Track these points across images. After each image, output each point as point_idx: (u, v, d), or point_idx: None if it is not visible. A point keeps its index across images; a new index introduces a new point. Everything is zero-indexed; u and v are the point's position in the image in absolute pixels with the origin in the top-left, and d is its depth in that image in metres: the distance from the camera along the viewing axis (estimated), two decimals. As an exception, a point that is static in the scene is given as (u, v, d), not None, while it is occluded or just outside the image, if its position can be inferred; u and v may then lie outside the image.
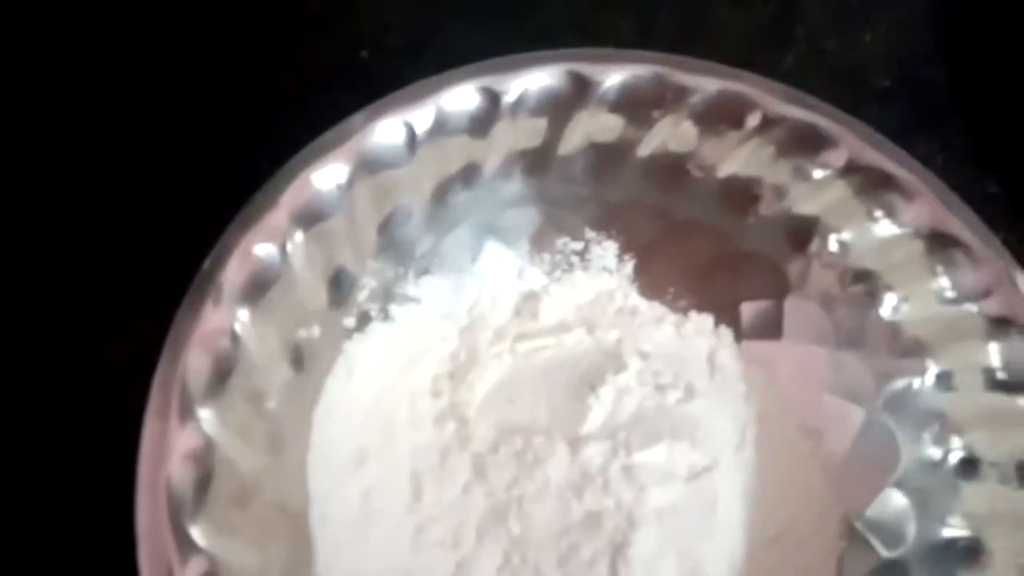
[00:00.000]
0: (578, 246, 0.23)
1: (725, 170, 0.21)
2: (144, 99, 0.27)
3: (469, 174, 0.21)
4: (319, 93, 0.27)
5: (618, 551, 0.19)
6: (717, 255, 0.22)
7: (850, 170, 0.20)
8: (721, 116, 0.20)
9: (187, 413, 0.16)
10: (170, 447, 0.16)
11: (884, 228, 0.20)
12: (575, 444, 0.20)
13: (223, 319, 0.17)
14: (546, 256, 0.23)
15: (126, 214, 0.25)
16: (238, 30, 0.29)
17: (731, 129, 0.20)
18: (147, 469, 0.15)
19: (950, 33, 0.30)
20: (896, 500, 0.19)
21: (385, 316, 0.21)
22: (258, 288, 0.18)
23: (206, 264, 0.17)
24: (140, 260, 0.24)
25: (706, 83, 0.20)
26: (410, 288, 0.22)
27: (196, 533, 0.15)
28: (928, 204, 0.19)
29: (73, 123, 0.26)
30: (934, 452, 0.19)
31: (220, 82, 0.27)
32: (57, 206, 0.25)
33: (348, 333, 0.21)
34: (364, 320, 0.21)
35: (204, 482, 0.16)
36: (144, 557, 0.15)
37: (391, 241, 0.21)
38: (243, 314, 0.18)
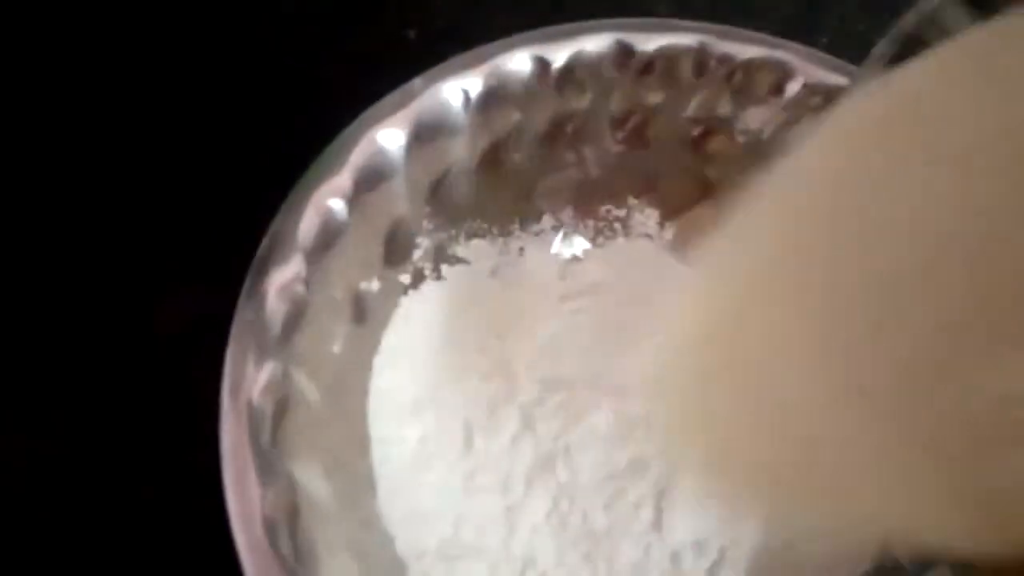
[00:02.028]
0: (621, 212, 0.24)
1: (766, 136, 0.22)
2: (204, 78, 0.28)
3: (518, 139, 0.22)
4: (367, 72, 0.28)
5: (662, 495, 0.20)
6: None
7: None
8: (763, 83, 0.21)
9: (264, 351, 0.17)
10: (249, 380, 0.17)
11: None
12: (619, 394, 0.21)
13: (296, 267, 0.18)
14: (590, 222, 0.24)
15: (190, 187, 0.26)
16: (286, 13, 0.30)
17: (772, 96, 0.21)
18: (230, 398, 0.16)
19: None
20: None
21: (438, 275, 0.23)
22: (326, 241, 0.19)
23: (278, 216, 0.19)
24: (201, 229, 0.25)
25: (748, 51, 0.21)
26: (460, 249, 0.23)
27: (275, 456, 0.16)
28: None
29: (135, 98, 0.27)
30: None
31: (271, 63, 0.28)
32: (116, 176, 0.26)
33: (404, 289, 0.22)
34: (419, 278, 0.22)
35: (281, 411, 0.17)
36: (229, 477, 0.16)
37: (444, 203, 0.22)
38: (312, 264, 0.19)
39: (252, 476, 0.16)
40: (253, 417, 0.16)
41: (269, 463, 0.16)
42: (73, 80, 0.27)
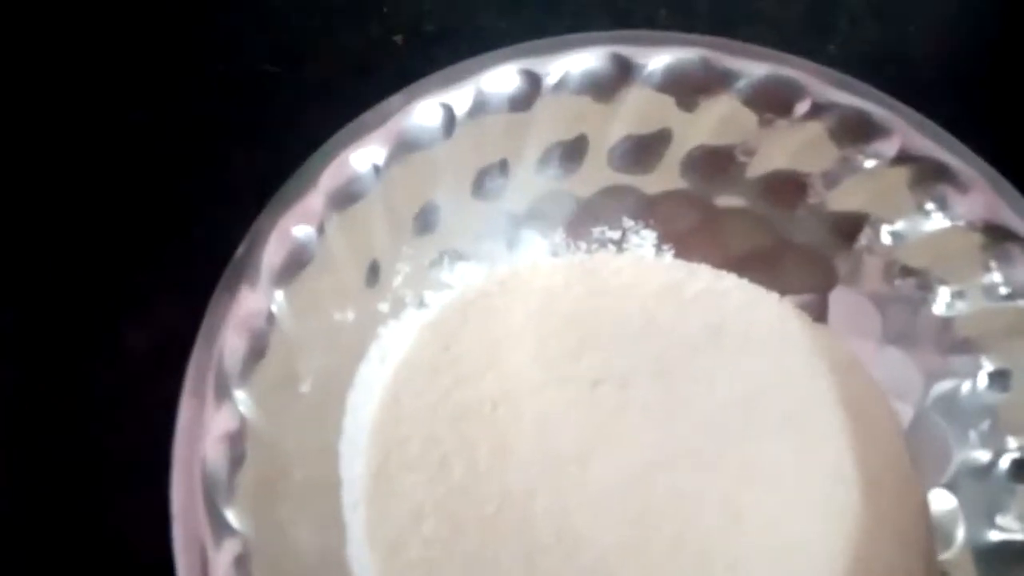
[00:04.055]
0: (615, 234, 0.23)
1: (771, 158, 0.20)
2: (176, 83, 0.27)
3: (507, 160, 0.21)
4: (353, 77, 0.27)
5: None
6: (760, 246, 0.22)
7: (903, 160, 0.19)
8: (769, 102, 0.19)
9: (223, 394, 0.16)
10: (205, 428, 0.15)
11: (937, 220, 0.19)
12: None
13: (259, 300, 0.17)
14: (582, 244, 0.23)
15: (158, 198, 0.25)
16: (270, 14, 0.29)
17: (779, 116, 0.20)
18: (182, 449, 0.15)
19: (1000, 25, 0.30)
20: (945, 502, 0.19)
21: (420, 302, 0.21)
22: (294, 270, 0.18)
23: (243, 245, 0.17)
24: (169, 245, 0.24)
25: (754, 67, 0.19)
26: (444, 274, 0.22)
27: (230, 514, 0.15)
28: (983, 196, 0.18)
29: (102, 109, 0.26)
30: (986, 454, 0.18)
31: (251, 68, 0.27)
32: (83, 192, 0.25)
33: (382, 318, 0.20)
34: (398, 305, 0.21)
35: (238, 463, 0.16)
36: (179, 538, 0.14)
37: (426, 226, 0.21)
38: (279, 296, 0.17)
39: (205, 536, 0.14)
40: (208, 472, 0.15)
41: (223, 522, 0.15)
42: (41, 86, 0.26)
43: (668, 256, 0.23)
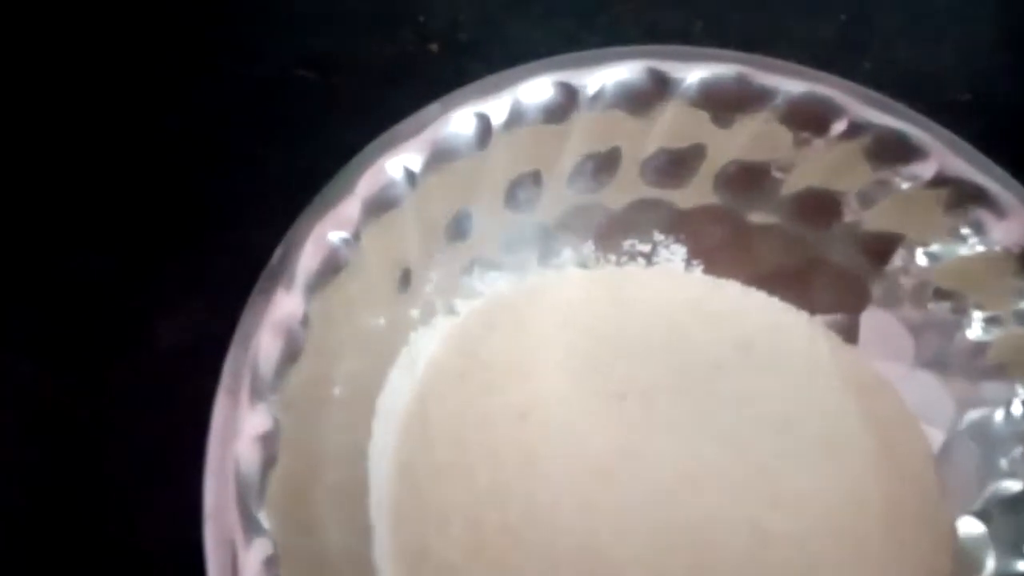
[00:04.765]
0: (645, 248, 0.23)
1: (805, 177, 0.20)
2: (210, 87, 0.27)
3: (540, 171, 0.21)
4: (386, 84, 0.28)
5: None
6: (791, 264, 0.22)
7: (939, 182, 0.19)
8: (805, 120, 0.19)
9: (257, 395, 0.16)
10: (239, 429, 0.16)
11: (973, 244, 0.19)
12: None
13: (295, 304, 0.17)
14: (612, 256, 0.23)
15: (192, 200, 0.25)
16: (304, 20, 0.29)
17: (815, 135, 0.20)
18: (216, 449, 0.15)
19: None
20: (975, 529, 0.18)
21: (450, 309, 0.21)
22: (329, 274, 0.18)
23: (279, 249, 0.17)
24: (202, 246, 0.24)
25: (791, 85, 0.19)
26: (475, 282, 0.22)
27: (261, 515, 0.15)
28: (1021, 221, 0.18)
29: (138, 113, 0.26)
30: (1018, 483, 0.18)
31: (286, 73, 0.27)
32: (118, 193, 0.25)
33: (413, 324, 0.21)
34: (429, 312, 0.21)
35: (270, 465, 0.16)
36: (210, 537, 0.15)
37: (458, 234, 0.21)
38: (314, 300, 0.17)
39: (236, 538, 0.14)
40: (240, 474, 0.15)
41: (255, 524, 0.15)
42: (79, 90, 0.27)
43: (698, 271, 0.23)
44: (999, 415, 0.19)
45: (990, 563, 0.18)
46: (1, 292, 0.23)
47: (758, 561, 0.18)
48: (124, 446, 0.21)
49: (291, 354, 0.17)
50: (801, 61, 0.20)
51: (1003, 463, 0.18)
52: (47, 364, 0.22)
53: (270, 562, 0.15)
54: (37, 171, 0.25)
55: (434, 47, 0.28)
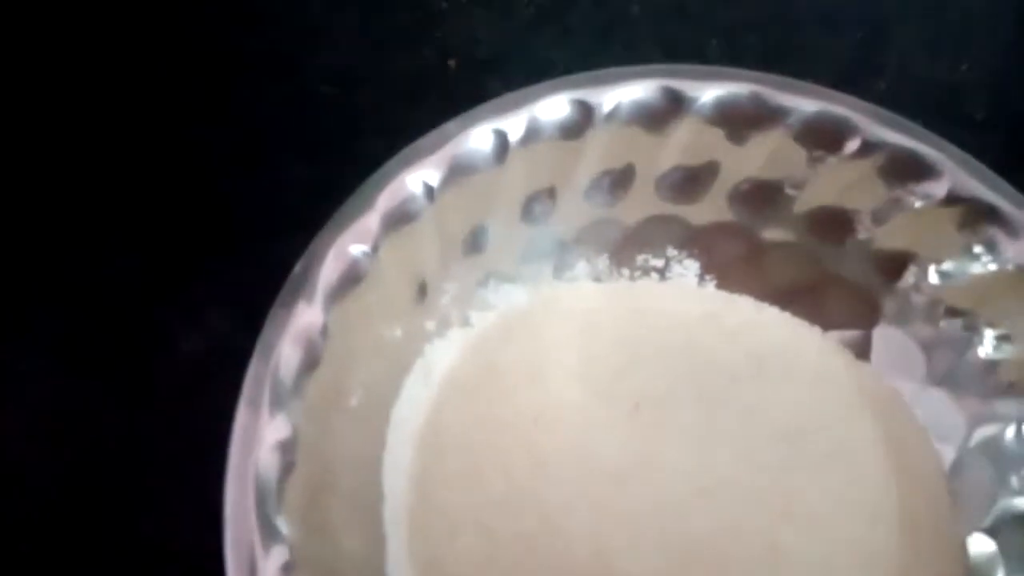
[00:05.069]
0: (659, 263, 0.23)
1: (819, 195, 0.21)
2: (234, 101, 0.28)
3: (556, 186, 0.21)
4: (406, 99, 0.28)
5: None
6: (803, 280, 0.22)
7: (952, 201, 0.19)
8: (819, 139, 0.20)
9: (277, 404, 0.16)
10: (259, 436, 0.16)
11: (985, 263, 0.19)
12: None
13: (315, 314, 0.17)
14: (625, 271, 0.23)
15: (214, 212, 0.26)
16: (327, 37, 0.30)
17: (829, 153, 0.20)
18: (237, 456, 0.16)
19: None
20: (985, 546, 0.18)
21: (465, 321, 0.22)
22: (348, 286, 0.18)
23: (301, 261, 0.18)
24: (223, 257, 0.25)
25: (805, 104, 0.20)
26: (490, 295, 0.22)
27: (279, 521, 0.15)
28: (1034, 240, 0.18)
29: (163, 125, 0.27)
30: (1030, 499, 0.18)
31: (308, 88, 0.28)
32: (142, 204, 0.26)
33: (429, 336, 0.21)
34: (444, 324, 0.21)
35: (288, 471, 0.16)
36: (229, 542, 0.15)
37: (475, 248, 0.21)
38: (333, 311, 0.18)
39: (255, 544, 0.15)
40: (260, 480, 0.15)
41: (273, 530, 0.15)
42: (104, 104, 0.28)
43: (710, 287, 0.23)
44: (1010, 432, 0.19)
45: None
46: (29, 297, 0.24)
47: (770, 573, 0.18)
48: (146, 451, 0.22)
49: (310, 363, 0.17)
50: (816, 79, 0.21)
51: (1014, 480, 0.18)
52: (72, 368, 0.23)
53: (287, 568, 0.15)
54: (67, 177, 0.26)
55: (453, 63, 0.29)
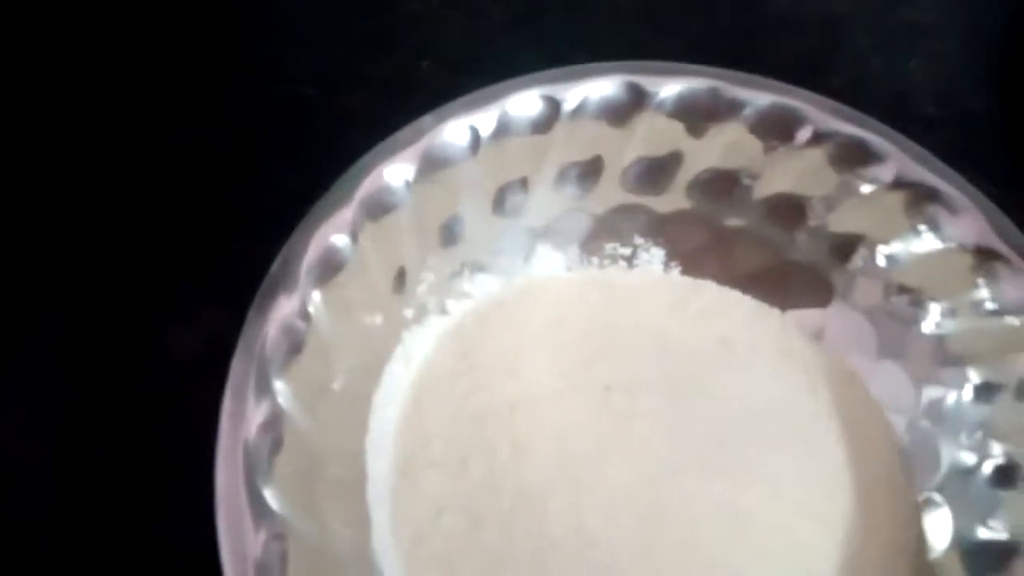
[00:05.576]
0: (626, 251, 0.24)
1: (775, 183, 0.22)
2: (218, 105, 0.28)
3: (527, 178, 0.22)
4: (383, 100, 0.29)
5: None
6: (763, 264, 0.23)
7: (898, 185, 0.20)
8: (773, 129, 0.21)
9: (263, 386, 0.17)
10: (247, 416, 0.17)
11: (929, 242, 0.20)
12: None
13: (298, 301, 0.18)
14: (595, 259, 0.24)
15: (202, 212, 0.26)
16: (306, 41, 0.30)
17: (782, 142, 0.21)
18: (227, 437, 0.16)
19: (999, 63, 0.31)
20: (936, 505, 0.20)
21: (442, 310, 0.22)
22: (329, 274, 0.19)
23: (284, 250, 0.19)
24: (212, 256, 0.25)
25: (759, 97, 0.21)
26: (465, 284, 0.23)
27: (269, 496, 0.16)
28: (973, 218, 0.20)
29: (150, 129, 0.27)
30: (972, 457, 0.19)
31: (289, 92, 0.29)
32: (130, 206, 0.26)
33: (407, 324, 0.22)
34: (422, 312, 0.22)
35: (277, 448, 0.17)
36: (222, 517, 0.16)
37: (450, 238, 0.22)
38: (316, 298, 0.19)
39: (246, 519, 0.16)
40: (249, 458, 0.16)
41: (263, 506, 0.16)
42: (91, 109, 0.28)
43: (675, 273, 0.24)
44: (954, 398, 0.20)
45: (949, 535, 0.19)
46: (24, 299, 0.24)
47: (739, 540, 0.19)
48: (142, 448, 0.22)
49: (294, 348, 0.18)
50: (775, 77, 0.22)
51: (960, 440, 0.20)
52: (69, 368, 0.23)
53: (277, 540, 0.16)
54: (58, 182, 0.26)
55: (426, 64, 0.30)
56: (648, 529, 0.19)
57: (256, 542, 0.16)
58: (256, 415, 0.17)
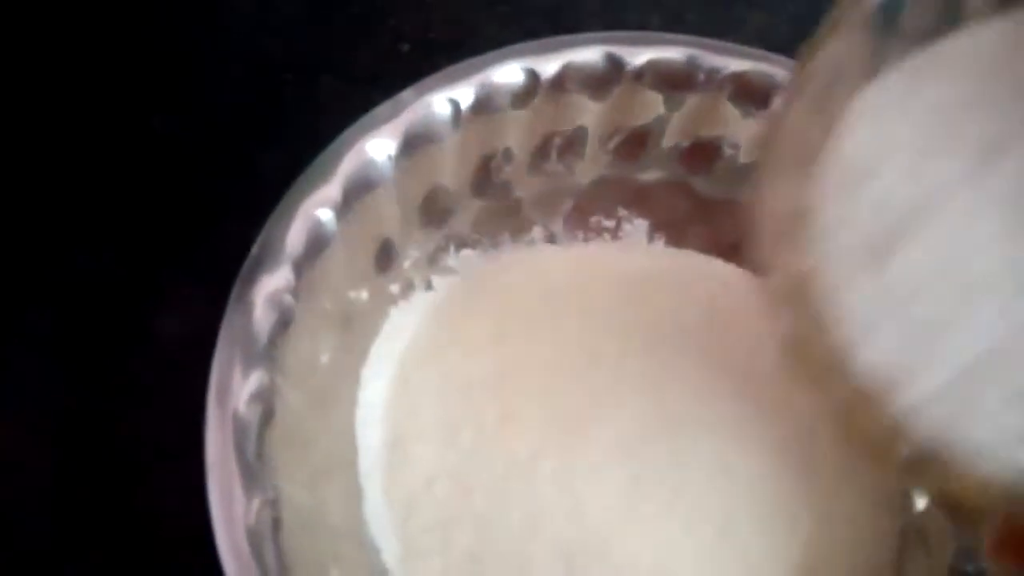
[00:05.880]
0: (610, 223, 0.24)
1: (753, 151, 0.22)
2: (200, 89, 0.28)
3: (508, 151, 0.22)
4: (364, 83, 0.29)
5: None
6: (746, 233, 0.23)
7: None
8: (750, 96, 0.21)
9: (251, 361, 0.17)
10: (235, 390, 0.17)
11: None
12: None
13: (285, 276, 0.18)
14: (579, 233, 0.24)
15: (184, 198, 0.26)
16: (286, 25, 0.30)
17: (759, 109, 0.21)
18: (216, 408, 0.16)
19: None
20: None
21: (427, 285, 0.23)
22: (316, 249, 0.19)
23: (268, 225, 0.19)
24: (196, 241, 0.25)
25: (736, 64, 0.21)
26: (450, 260, 0.23)
27: (260, 466, 0.16)
28: None
29: (132, 114, 0.27)
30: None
31: (271, 76, 0.29)
32: (113, 193, 0.26)
33: (394, 299, 0.22)
34: (408, 288, 0.22)
35: (266, 420, 0.17)
36: (213, 487, 0.16)
37: (434, 213, 0.22)
38: (302, 273, 0.19)
39: (237, 486, 0.16)
40: (239, 427, 0.16)
41: (254, 473, 0.16)
42: (72, 95, 0.28)
43: (660, 244, 0.24)
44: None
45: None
46: (9, 292, 0.24)
47: (724, 496, 0.19)
48: (129, 432, 0.22)
49: (282, 323, 0.18)
50: (751, 47, 0.22)
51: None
52: (57, 360, 0.23)
53: (269, 506, 0.16)
54: (38, 175, 0.26)
55: (406, 47, 0.30)
56: (636, 489, 0.20)
57: (248, 509, 0.16)
58: (245, 387, 0.17)
